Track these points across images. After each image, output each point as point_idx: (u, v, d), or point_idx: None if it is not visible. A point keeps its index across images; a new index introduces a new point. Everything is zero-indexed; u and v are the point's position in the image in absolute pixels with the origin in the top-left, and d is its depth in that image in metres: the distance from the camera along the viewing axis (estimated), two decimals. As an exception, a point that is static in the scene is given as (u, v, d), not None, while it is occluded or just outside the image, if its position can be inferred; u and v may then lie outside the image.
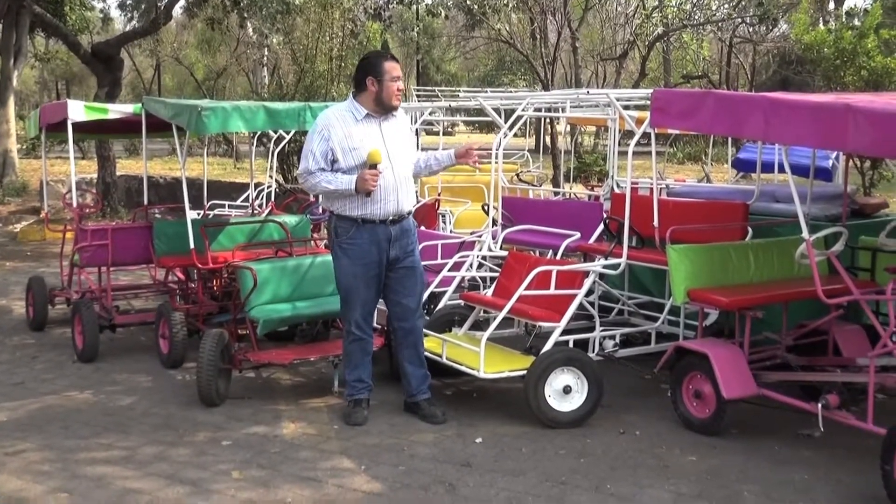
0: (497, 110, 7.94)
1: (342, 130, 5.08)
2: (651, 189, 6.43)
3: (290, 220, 7.62)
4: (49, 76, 44.22)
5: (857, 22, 13.80)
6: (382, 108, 5.13)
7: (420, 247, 5.56)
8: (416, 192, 5.48)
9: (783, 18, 18.61)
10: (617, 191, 7.18)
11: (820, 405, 4.72)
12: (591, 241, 6.75)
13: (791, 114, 4.47)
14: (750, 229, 6.17)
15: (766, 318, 5.34)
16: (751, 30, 19.31)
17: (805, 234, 4.66)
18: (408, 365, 5.38)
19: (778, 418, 5.30)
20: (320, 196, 5.55)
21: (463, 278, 6.71)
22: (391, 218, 5.15)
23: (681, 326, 6.32)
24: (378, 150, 5.01)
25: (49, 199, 11.07)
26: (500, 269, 6.37)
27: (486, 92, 10.20)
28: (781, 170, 6.01)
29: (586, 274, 5.79)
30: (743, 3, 17.34)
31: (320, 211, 8.56)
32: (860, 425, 4.60)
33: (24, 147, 23.19)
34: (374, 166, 5.00)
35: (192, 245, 6.40)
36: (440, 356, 5.56)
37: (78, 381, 6.21)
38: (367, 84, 5.10)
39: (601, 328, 6.10)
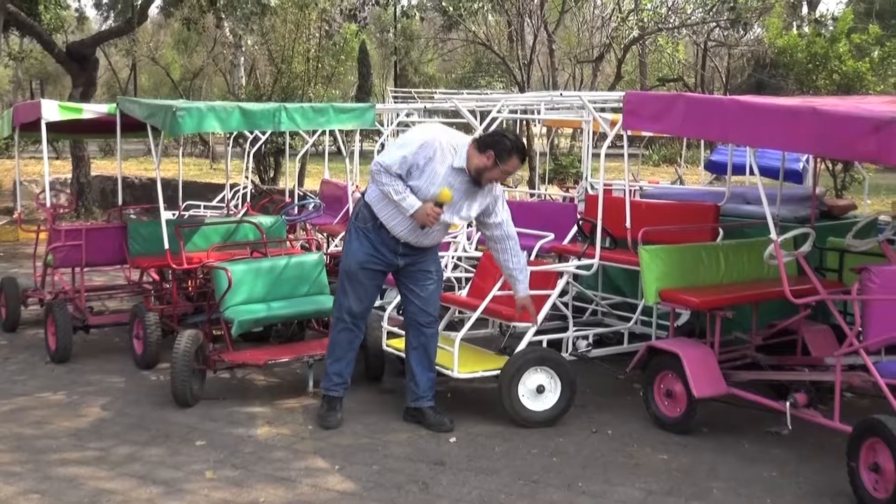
0: (473, 112, 7.97)
1: (440, 161, 4.94)
2: (624, 191, 6.49)
3: (265, 220, 7.62)
4: (23, 75, 43.74)
5: (825, 31, 13.95)
6: (475, 176, 4.99)
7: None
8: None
9: (757, 22, 18.78)
10: (591, 192, 7.24)
11: (788, 403, 4.80)
12: (565, 242, 6.80)
13: (758, 117, 4.54)
14: (721, 230, 6.25)
15: (736, 318, 5.42)
16: (725, 34, 19.45)
17: (773, 235, 4.73)
18: (416, 366, 5.30)
19: (747, 417, 5.38)
20: (367, 189, 5.23)
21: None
22: (403, 242, 5.10)
23: (653, 326, 6.38)
24: (449, 193, 4.91)
25: (22, 199, 10.99)
26: (474, 270, 6.40)
27: (462, 94, 10.23)
28: (752, 172, 6.09)
29: (560, 274, 5.84)
30: (717, 7, 17.48)
31: (295, 212, 8.57)
32: (827, 423, 4.68)
33: (-2, 147, 22.98)
34: (439, 205, 4.93)
35: (166, 246, 6.38)
36: (414, 356, 5.57)
37: (51, 383, 6.18)
38: (486, 156, 4.93)
39: (575, 328, 6.16)
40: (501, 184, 5.27)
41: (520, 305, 5.27)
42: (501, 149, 4.95)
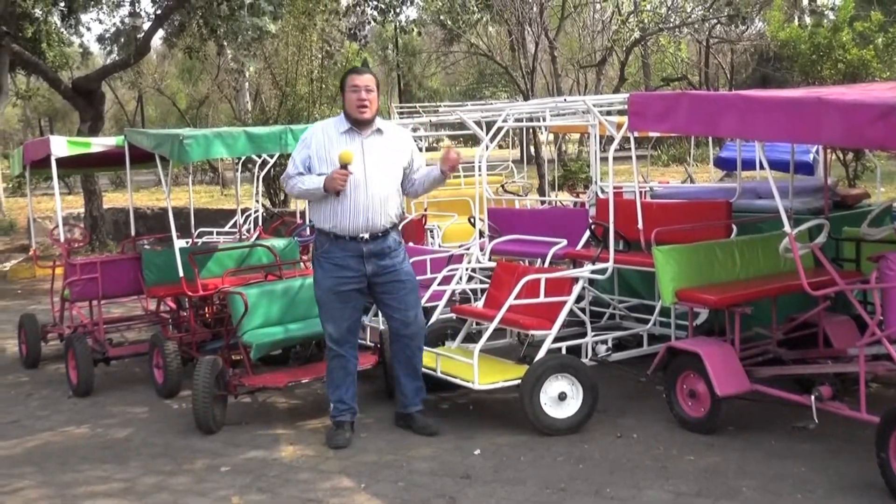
0: (478, 123, 7.98)
1: (323, 139, 5.17)
2: (635, 193, 6.47)
3: (278, 243, 7.64)
4: (32, 113, 44.18)
5: (825, 21, 13.92)
6: (353, 121, 5.16)
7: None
8: (401, 209, 5.45)
9: (758, 16, 18.75)
10: (601, 196, 7.22)
11: (813, 397, 4.75)
12: (579, 247, 6.78)
13: (764, 110, 4.52)
14: (734, 227, 6.22)
15: (755, 313, 5.38)
16: (726, 30, 19.44)
17: (787, 228, 4.70)
18: (402, 376, 5.40)
19: (773, 413, 5.33)
20: (307, 211, 5.48)
21: (453, 292, 6.73)
22: (362, 235, 5.13)
23: (672, 327, 6.35)
24: (350, 152, 5.00)
25: (37, 236, 11.08)
26: (489, 281, 6.40)
27: (467, 105, 10.25)
28: (763, 167, 6.04)
29: (575, 280, 5.82)
30: (717, 3, 17.48)
31: (308, 233, 8.58)
32: (854, 415, 4.63)
33: (10, 186, 23.17)
34: (344, 166, 4.99)
35: (181, 273, 6.41)
36: (434, 370, 5.58)
37: (74, 416, 6.20)
38: (342, 100, 5.22)
39: (593, 333, 6.13)
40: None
41: (444, 159, 5.24)
42: (341, 83, 5.27)
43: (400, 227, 5.43)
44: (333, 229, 5.13)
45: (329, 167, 5.07)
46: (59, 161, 7.43)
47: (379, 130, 5.23)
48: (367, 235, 5.13)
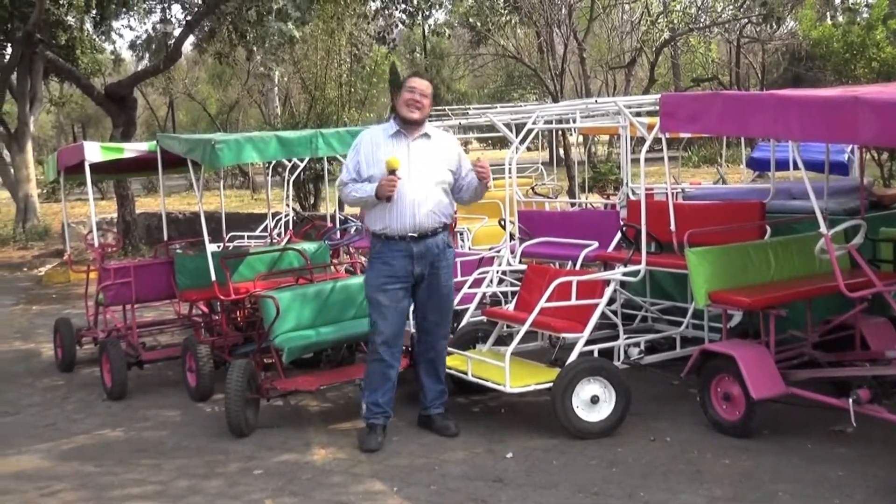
0: (508, 125, 7.97)
1: (371, 143, 5.27)
2: (667, 194, 6.42)
3: (308, 247, 7.66)
4: (65, 120, 44.79)
5: (860, 19, 13.72)
6: (403, 122, 5.23)
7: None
8: (451, 211, 5.44)
9: (789, 15, 18.56)
10: (632, 198, 7.18)
11: (851, 400, 4.68)
12: (610, 249, 6.74)
13: (799, 110, 4.47)
14: (768, 228, 6.15)
15: (790, 315, 5.31)
16: (758, 29, 19.27)
17: (823, 228, 4.64)
18: (425, 378, 5.45)
19: (809, 416, 5.26)
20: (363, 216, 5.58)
21: (484, 294, 6.71)
22: (410, 234, 5.19)
23: (705, 329, 6.28)
24: (396, 158, 5.09)
25: (71, 240, 11.21)
26: (520, 283, 6.37)
27: (496, 108, 10.23)
28: (796, 167, 5.99)
29: (606, 282, 5.78)
30: (748, 3, 17.32)
31: (337, 236, 8.62)
32: (893, 418, 4.56)
33: (45, 191, 23.49)
34: (392, 172, 5.08)
35: (213, 277, 6.45)
36: (465, 373, 5.57)
37: (108, 419, 6.26)
38: (396, 99, 5.32)
39: (625, 336, 6.09)
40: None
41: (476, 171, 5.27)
42: (405, 78, 5.41)
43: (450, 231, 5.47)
44: (384, 230, 5.23)
45: (376, 170, 5.16)
46: (93, 166, 7.51)
47: (426, 135, 5.30)
48: (415, 234, 5.19)
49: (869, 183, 7.03)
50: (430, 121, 5.65)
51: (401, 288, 5.26)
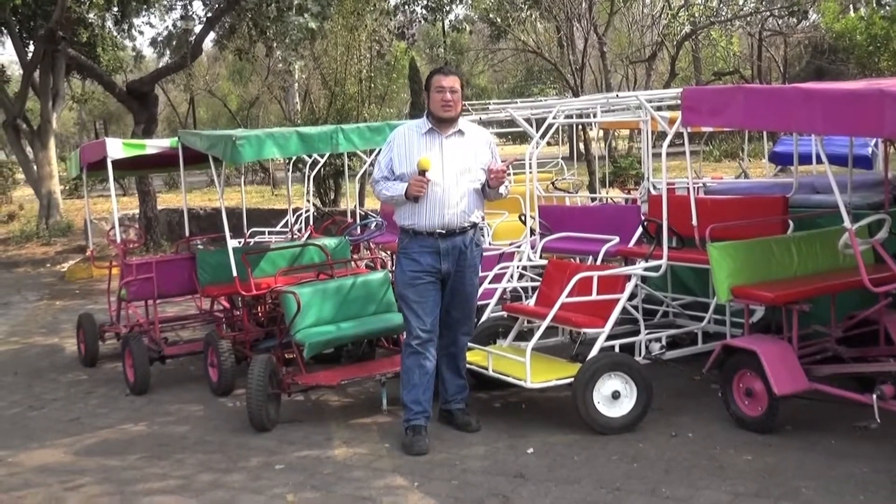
0: (528, 120, 7.94)
1: (405, 141, 5.26)
2: (688, 189, 6.39)
3: (329, 242, 7.68)
4: (87, 117, 45.07)
5: (884, 11, 13.58)
6: (437, 121, 5.21)
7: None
8: (480, 208, 5.40)
9: (812, 8, 18.39)
10: (653, 192, 7.14)
11: (875, 396, 4.65)
12: (631, 244, 6.71)
13: (823, 103, 4.43)
14: (791, 222, 6.10)
15: (813, 310, 5.27)
16: (780, 22, 19.09)
17: (847, 223, 4.60)
18: (446, 372, 5.44)
19: (832, 412, 5.22)
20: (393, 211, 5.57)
21: (504, 290, 6.70)
22: (439, 231, 5.19)
23: (727, 325, 6.25)
24: (427, 159, 5.09)
25: (94, 236, 11.29)
26: (540, 279, 6.36)
27: (517, 102, 10.20)
28: (819, 161, 5.94)
29: (628, 278, 5.76)
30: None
31: (358, 232, 8.64)
32: (918, 414, 4.52)
33: (67, 188, 23.64)
34: (422, 173, 5.08)
35: (234, 273, 6.48)
36: (486, 369, 5.57)
37: (132, 414, 6.30)
38: (425, 99, 5.31)
39: (646, 331, 6.07)
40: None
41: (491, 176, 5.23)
42: (426, 84, 5.36)
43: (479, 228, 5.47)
44: (413, 226, 5.24)
45: (408, 167, 5.16)
46: (115, 163, 7.56)
47: (460, 132, 5.28)
48: (443, 231, 5.19)
49: (893, 177, 6.95)
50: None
51: (430, 282, 5.25)
